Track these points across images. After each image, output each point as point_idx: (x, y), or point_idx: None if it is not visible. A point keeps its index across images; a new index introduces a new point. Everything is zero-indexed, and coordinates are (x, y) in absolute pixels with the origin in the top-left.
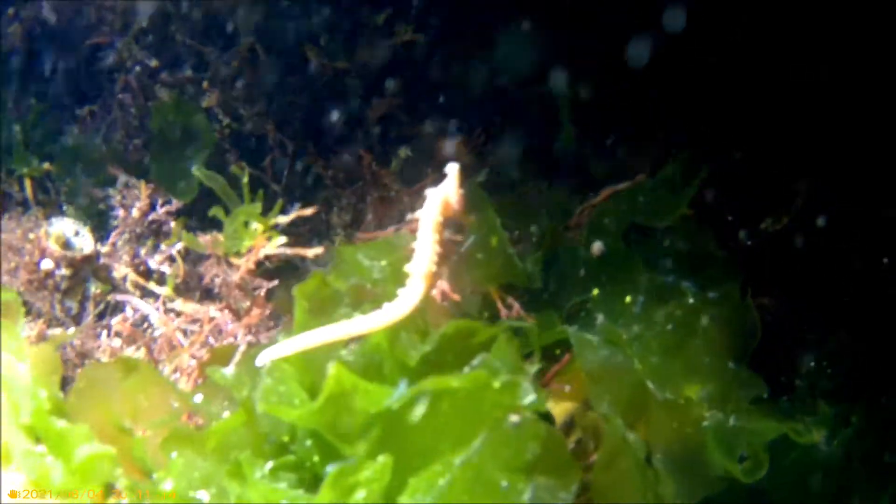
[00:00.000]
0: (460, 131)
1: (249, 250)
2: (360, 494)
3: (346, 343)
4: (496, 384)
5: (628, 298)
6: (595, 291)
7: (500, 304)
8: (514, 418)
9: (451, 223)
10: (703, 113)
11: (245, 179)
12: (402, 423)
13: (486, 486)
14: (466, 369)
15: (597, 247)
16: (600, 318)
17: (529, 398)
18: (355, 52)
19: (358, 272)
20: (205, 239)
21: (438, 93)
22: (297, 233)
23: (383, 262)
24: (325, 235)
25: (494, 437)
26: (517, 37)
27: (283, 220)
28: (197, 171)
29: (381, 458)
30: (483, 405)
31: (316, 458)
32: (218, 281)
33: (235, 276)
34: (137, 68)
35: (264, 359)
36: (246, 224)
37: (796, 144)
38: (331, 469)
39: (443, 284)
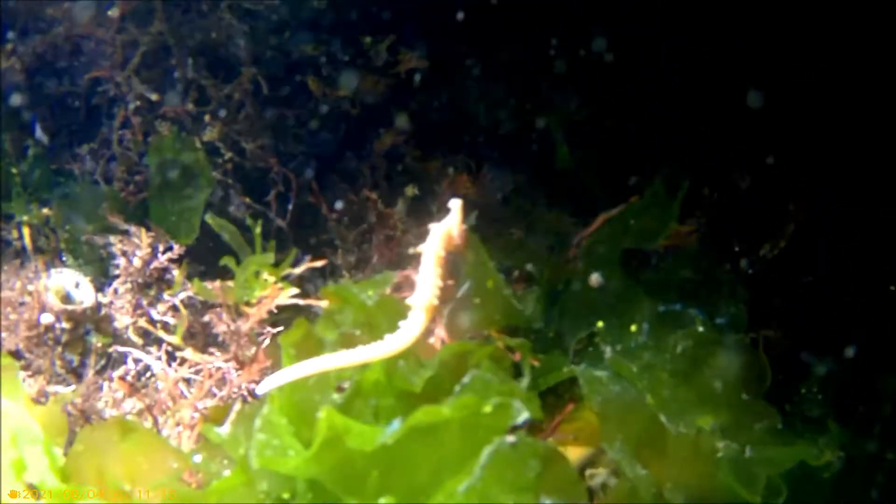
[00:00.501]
0: (466, 165)
1: (260, 300)
2: None
3: (342, 376)
4: (487, 409)
5: (634, 327)
6: (600, 324)
7: (500, 345)
8: (510, 439)
9: (453, 257)
10: (696, 131)
11: (257, 230)
12: (400, 459)
13: None
14: (457, 388)
15: (594, 278)
16: (608, 350)
17: (523, 416)
18: (358, 82)
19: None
20: (215, 287)
21: (444, 124)
22: (302, 273)
23: (371, 293)
24: (331, 276)
25: (494, 459)
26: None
27: (294, 270)
28: (210, 219)
29: (383, 501)
30: (478, 430)
31: None
32: (225, 329)
33: (245, 326)
34: (137, 102)
35: (266, 387)
36: (257, 273)
37: (790, 164)
38: None
39: (440, 332)
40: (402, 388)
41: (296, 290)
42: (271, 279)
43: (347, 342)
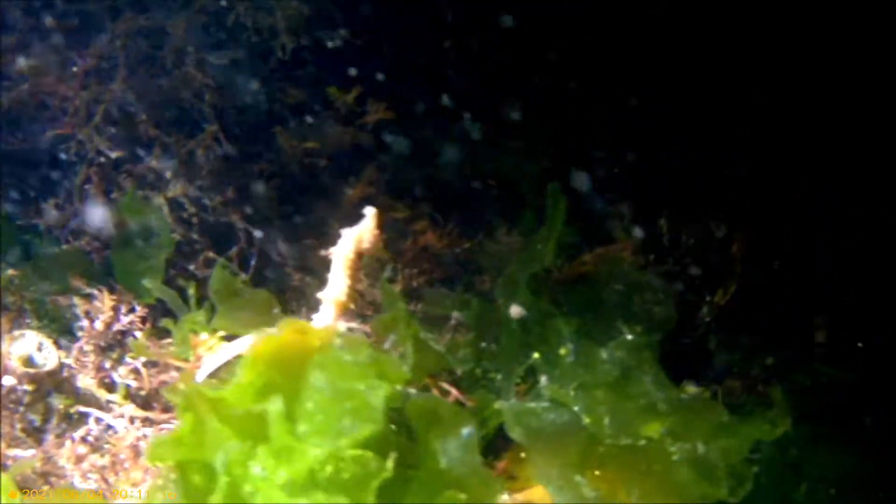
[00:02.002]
0: (431, 216)
1: (199, 357)
2: None
3: None
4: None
5: (563, 350)
6: (536, 355)
7: (436, 392)
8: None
9: (366, 260)
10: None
11: (191, 291)
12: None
13: None
14: None
15: (514, 310)
16: (544, 380)
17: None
18: (326, 133)
19: None
20: (154, 350)
21: (415, 176)
22: None
23: None
24: None
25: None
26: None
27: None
28: (148, 283)
29: None
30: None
31: None
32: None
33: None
34: (101, 158)
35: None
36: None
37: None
38: None
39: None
40: None
41: (225, 345)
42: (207, 337)
43: None
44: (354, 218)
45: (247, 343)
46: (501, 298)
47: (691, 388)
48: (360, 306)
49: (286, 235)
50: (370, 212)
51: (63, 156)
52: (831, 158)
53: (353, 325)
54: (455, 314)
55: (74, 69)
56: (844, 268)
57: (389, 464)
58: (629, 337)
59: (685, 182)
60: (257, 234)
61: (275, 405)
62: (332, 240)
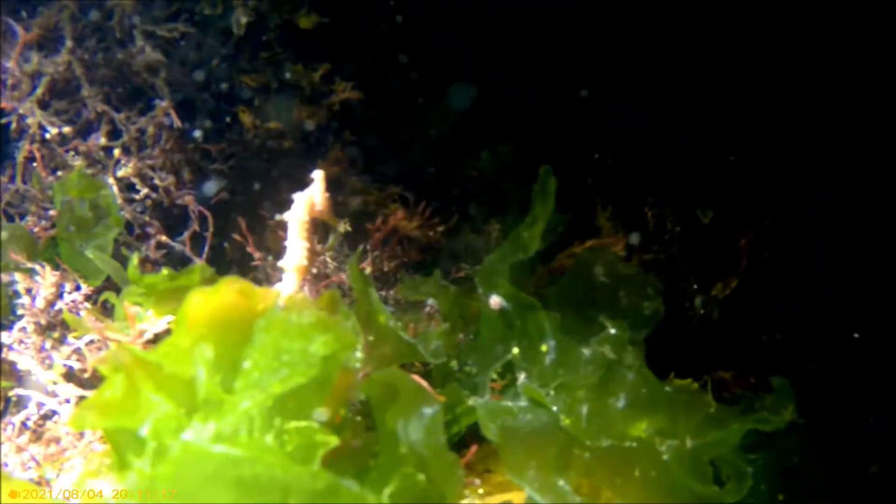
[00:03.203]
0: (402, 198)
1: (140, 333)
2: None
3: None
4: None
5: (544, 347)
6: (515, 350)
7: None
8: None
9: (317, 224)
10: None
11: (134, 261)
12: None
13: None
14: None
15: (494, 300)
16: (522, 377)
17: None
18: (291, 112)
19: None
20: (94, 324)
21: (381, 156)
22: None
23: None
24: None
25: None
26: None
27: (161, 275)
28: (90, 253)
29: None
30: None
31: None
32: None
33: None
34: (47, 134)
35: None
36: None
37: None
38: None
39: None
40: None
41: (168, 319)
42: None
43: None
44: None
45: None
46: (481, 288)
47: (678, 382)
48: (320, 268)
49: (247, 215)
50: (318, 174)
51: (5, 130)
52: (832, 155)
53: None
54: (430, 302)
55: (18, 32)
56: (844, 265)
57: (334, 439)
58: (612, 331)
59: (671, 169)
60: (209, 214)
61: (204, 353)
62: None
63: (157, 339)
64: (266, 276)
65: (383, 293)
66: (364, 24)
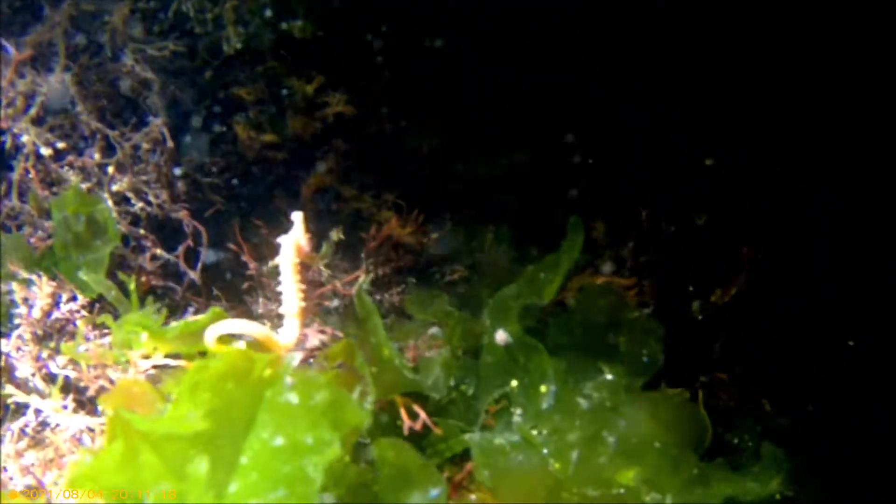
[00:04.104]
0: (397, 206)
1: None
2: None
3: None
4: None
5: (543, 388)
6: (513, 383)
7: (404, 414)
8: (287, 380)
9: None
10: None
11: (132, 286)
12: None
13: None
14: None
15: (500, 336)
16: (518, 413)
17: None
18: (286, 124)
19: None
20: (91, 350)
21: (375, 165)
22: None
23: None
24: None
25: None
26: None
27: (175, 323)
28: (84, 276)
29: None
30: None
31: None
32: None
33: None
34: (43, 150)
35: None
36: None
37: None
38: None
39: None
40: None
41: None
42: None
43: None
44: (310, 207)
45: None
46: (490, 320)
47: (669, 391)
48: (315, 276)
49: (241, 226)
50: (297, 217)
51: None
52: (831, 155)
53: (326, 330)
54: (433, 330)
55: (10, 57)
56: (844, 269)
57: None
58: (609, 377)
59: (666, 171)
60: (203, 229)
61: (198, 467)
62: (288, 229)
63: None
64: (261, 285)
65: (378, 297)
66: (357, 38)
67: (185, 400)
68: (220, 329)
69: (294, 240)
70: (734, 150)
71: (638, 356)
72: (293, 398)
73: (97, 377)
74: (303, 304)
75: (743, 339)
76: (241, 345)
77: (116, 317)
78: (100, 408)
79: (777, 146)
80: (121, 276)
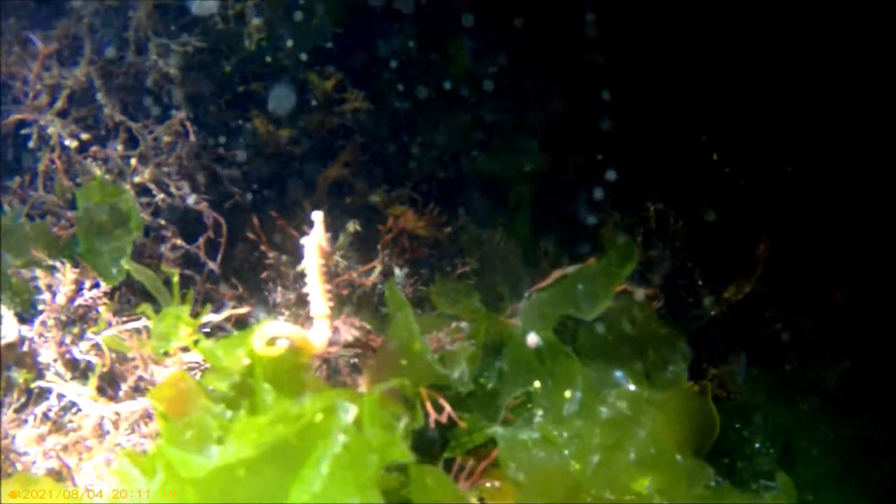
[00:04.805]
0: (411, 199)
1: (177, 351)
2: None
3: None
4: (318, 418)
5: (568, 393)
6: (536, 384)
7: (429, 407)
8: (340, 437)
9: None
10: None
11: (175, 279)
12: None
13: None
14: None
15: (531, 339)
16: (539, 414)
17: (346, 415)
18: (304, 120)
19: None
20: (130, 340)
21: (392, 159)
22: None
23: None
24: (271, 314)
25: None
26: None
27: (214, 318)
28: (126, 264)
29: None
30: (312, 444)
31: None
32: (145, 377)
33: (161, 378)
34: (67, 141)
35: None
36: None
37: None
38: None
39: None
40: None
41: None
42: (188, 331)
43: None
44: (326, 200)
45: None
46: (523, 322)
47: (684, 386)
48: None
49: (259, 217)
50: (317, 216)
51: (27, 137)
52: (839, 151)
53: (355, 322)
54: (463, 325)
55: (36, 49)
56: (853, 262)
57: None
58: (632, 388)
59: (675, 166)
60: (222, 220)
61: None
62: (304, 220)
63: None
64: (279, 275)
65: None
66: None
67: (234, 441)
68: (267, 332)
69: (317, 241)
70: (744, 146)
71: (663, 371)
72: (344, 457)
73: (133, 367)
74: (330, 305)
75: (752, 329)
76: (282, 343)
77: (135, 304)
78: (148, 402)
79: (789, 143)
80: (164, 267)
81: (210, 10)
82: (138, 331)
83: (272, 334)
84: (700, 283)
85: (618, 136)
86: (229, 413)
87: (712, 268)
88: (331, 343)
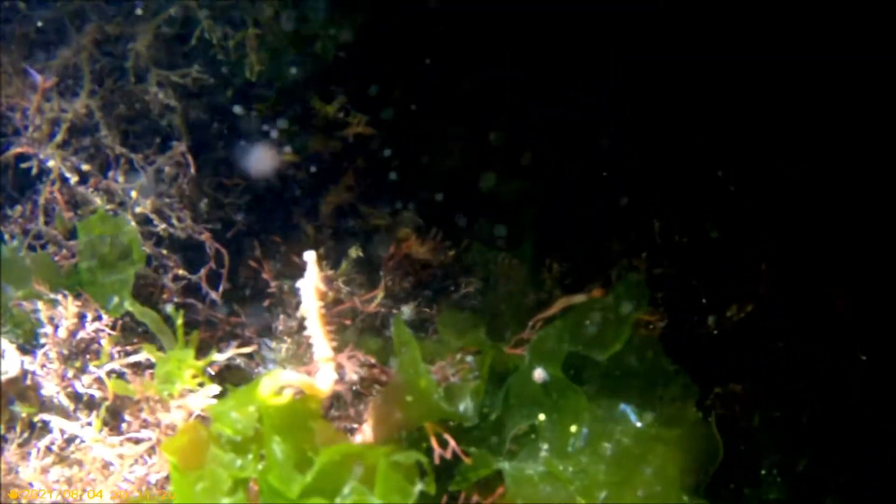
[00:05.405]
0: (414, 223)
1: (182, 393)
2: None
3: None
4: None
5: (574, 428)
6: (541, 417)
7: (434, 441)
8: None
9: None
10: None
11: (179, 321)
12: None
13: None
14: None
15: (538, 374)
16: (544, 448)
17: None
18: (307, 144)
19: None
20: (134, 380)
21: (394, 184)
22: (243, 340)
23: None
24: (274, 339)
25: None
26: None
27: (219, 357)
28: (129, 305)
29: None
30: None
31: None
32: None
33: (166, 419)
34: (68, 175)
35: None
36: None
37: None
38: None
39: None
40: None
41: (217, 390)
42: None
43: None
44: (329, 225)
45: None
46: (531, 356)
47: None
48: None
49: (261, 244)
50: (310, 257)
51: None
52: (841, 164)
53: (358, 356)
54: (469, 359)
55: (38, 79)
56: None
57: None
58: (639, 425)
59: (679, 183)
60: (224, 251)
61: None
62: (306, 246)
63: None
64: (280, 301)
65: (394, 311)
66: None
67: None
68: (274, 383)
69: (312, 284)
70: (747, 163)
71: (670, 407)
72: None
73: (138, 409)
74: (333, 346)
75: (757, 351)
76: (287, 392)
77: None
78: (153, 438)
79: (792, 159)
80: (170, 310)
81: None
82: (141, 364)
83: (279, 384)
84: (704, 300)
85: (622, 153)
86: (239, 461)
87: (716, 285)
88: (337, 382)
